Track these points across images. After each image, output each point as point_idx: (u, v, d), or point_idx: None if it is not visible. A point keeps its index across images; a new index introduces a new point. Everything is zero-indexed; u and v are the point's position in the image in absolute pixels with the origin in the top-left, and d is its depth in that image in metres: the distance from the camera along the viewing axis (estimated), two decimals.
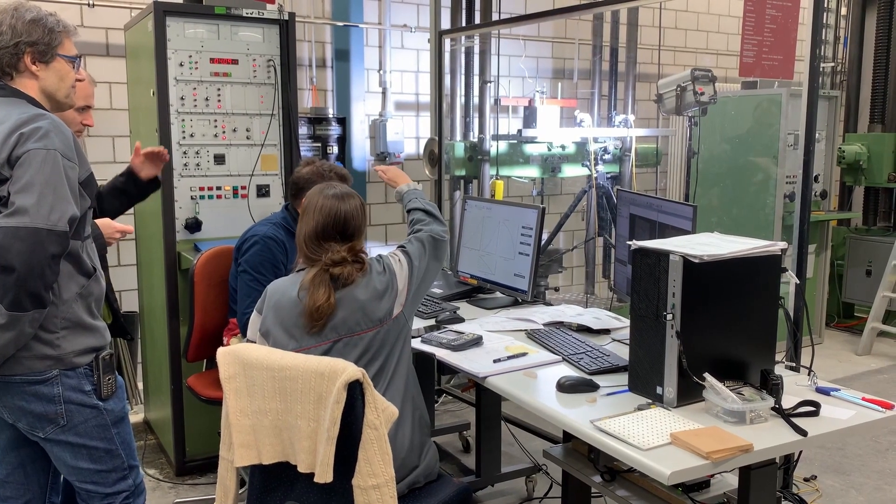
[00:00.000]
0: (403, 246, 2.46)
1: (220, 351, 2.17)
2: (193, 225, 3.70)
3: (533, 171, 5.07)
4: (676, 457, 1.79)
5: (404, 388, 2.35)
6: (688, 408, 2.09)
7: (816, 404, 2.09)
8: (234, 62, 3.75)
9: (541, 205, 3.23)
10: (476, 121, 5.05)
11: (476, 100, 5.05)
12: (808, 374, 2.34)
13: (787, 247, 2.21)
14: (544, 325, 2.92)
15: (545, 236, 5.07)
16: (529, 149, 5.00)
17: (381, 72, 5.81)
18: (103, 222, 2.56)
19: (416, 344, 2.69)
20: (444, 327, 2.87)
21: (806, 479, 3.78)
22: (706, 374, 2.03)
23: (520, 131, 4.73)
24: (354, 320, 2.23)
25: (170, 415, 3.74)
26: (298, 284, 2.26)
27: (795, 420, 2.02)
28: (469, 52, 5.03)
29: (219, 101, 3.73)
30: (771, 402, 2.03)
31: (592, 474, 2.53)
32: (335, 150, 5.44)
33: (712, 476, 2.54)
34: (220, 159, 3.76)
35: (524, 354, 2.54)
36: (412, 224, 2.59)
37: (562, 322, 2.93)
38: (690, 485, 2.44)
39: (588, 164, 4.77)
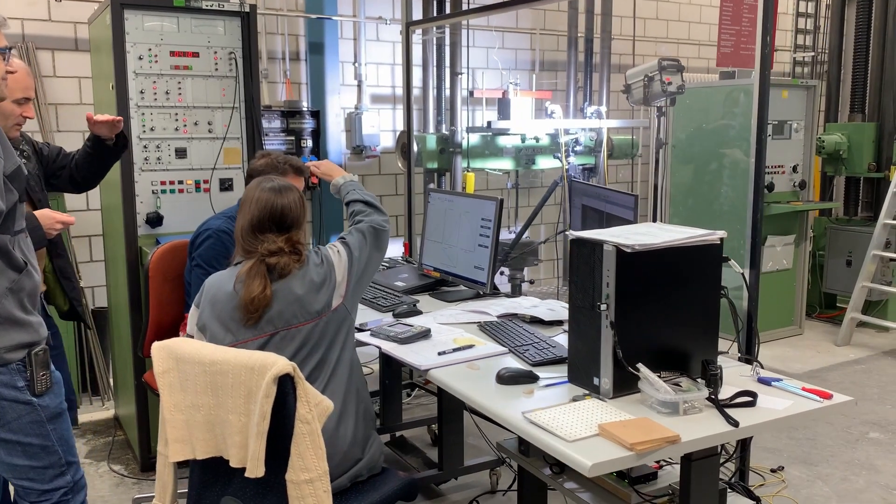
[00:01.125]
0: (344, 237, 2.44)
1: (155, 346, 2.15)
2: (155, 220, 3.68)
3: (506, 164, 5.04)
4: (601, 448, 1.77)
5: (347, 381, 2.33)
6: (624, 399, 2.07)
7: (754, 394, 2.07)
8: (195, 55, 3.72)
9: (499, 197, 3.20)
10: (456, 113, 5.02)
11: (448, 92, 5.01)
12: (752, 365, 2.31)
13: (725, 236, 2.18)
14: (498, 317, 2.90)
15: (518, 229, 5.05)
16: (503, 141, 4.97)
17: (357, 64, 5.79)
18: (43, 213, 2.54)
19: (364, 337, 2.68)
20: (398, 320, 2.85)
21: (773, 470, 3.76)
22: (640, 365, 2.01)
23: (489, 123, 4.70)
24: (291, 313, 2.21)
25: (135, 410, 3.73)
26: (235, 277, 2.24)
27: (731, 411, 2.00)
28: (441, 44, 5.00)
29: (179, 94, 3.70)
30: (705, 392, 2.01)
31: (543, 466, 2.52)
32: (309, 143, 5.42)
33: (660, 467, 2.53)
34: (181, 153, 3.74)
35: (471, 347, 2.52)
36: (353, 216, 2.57)
37: (516, 314, 2.91)
38: (636, 477, 2.42)
39: (559, 156, 4.74)
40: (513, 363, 2.40)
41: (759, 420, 1.97)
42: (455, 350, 2.48)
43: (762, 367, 2.50)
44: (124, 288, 3.71)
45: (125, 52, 3.55)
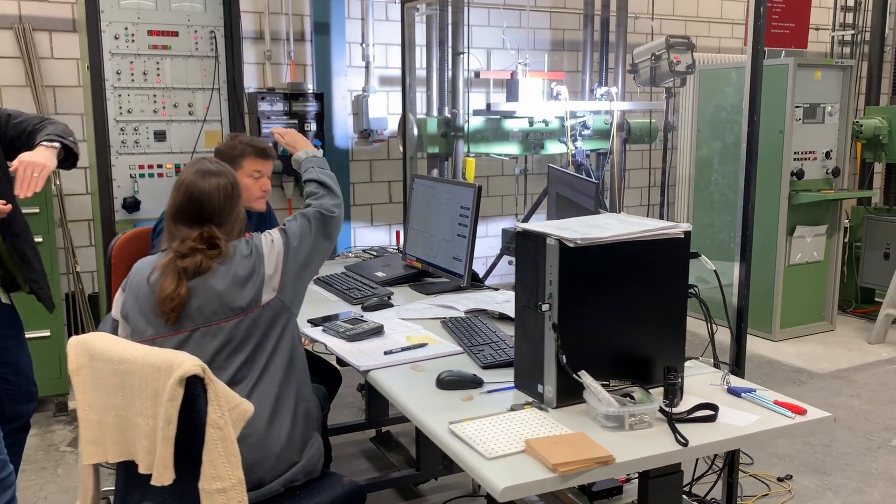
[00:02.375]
0: (285, 223, 2.26)
1: (71, 341, 2.02)
2: (132, 205, 3.57)
3: (513, 149, 4.82)
4: (522, 468, 1.57)
5: (283, 380, 2.16)
6: (569, 409, 1.87)
7: (715, 408, 1.84)
8: (174, 34, 3.60)
9: (477, 184, 2.99)
10: (458, 95, 4.80)
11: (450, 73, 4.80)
12: (723, 373, 2.08)
13: (689, 228, 1.94)
14: (465, 312, 2.70)
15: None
16: (509, 124, 4.75)
17: (364, 45, 5.61)
18: None
19: (314, 332, 2.51)
20: (353, 315, 2.67)
21: (780, 479, 3.50)
22: (582, 373, 1.80)
23: (488, 105, 4.48)
24: (211, 309, 2.05)
25: None
26: (153, 268, 2.09)
27: (686, 426, 1.78)
28: (443, 24, 4.79)
29: (158, 75, 3.58)
30: (656, 405, 1.79)
31: None
32: (313, 127, 5.27)
33: (626, 481, 2.32)
34: (160, 136, 3.62)
35: (423, 346, 2.33)
36: (306, 197, 2.39)
37: (485, 310, 2.71)
38: (599, 491, 2.22)
39: (565, 140, 4.49)
40: (465, 364, 2.21)
41: (715, 438, 1.74)
42: (404, 349, 2.30)
43: (741, 375, 2.27)
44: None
45: (99, 31, 3.44)
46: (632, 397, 1.83)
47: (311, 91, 5.32)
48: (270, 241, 2.15)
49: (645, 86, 4.15)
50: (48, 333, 3.82)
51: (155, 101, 3.58)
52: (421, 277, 3.37)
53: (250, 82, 5.19)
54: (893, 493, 3.41)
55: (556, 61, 6.22)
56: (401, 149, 4.96)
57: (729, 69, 5.79)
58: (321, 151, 2.56)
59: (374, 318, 2.69)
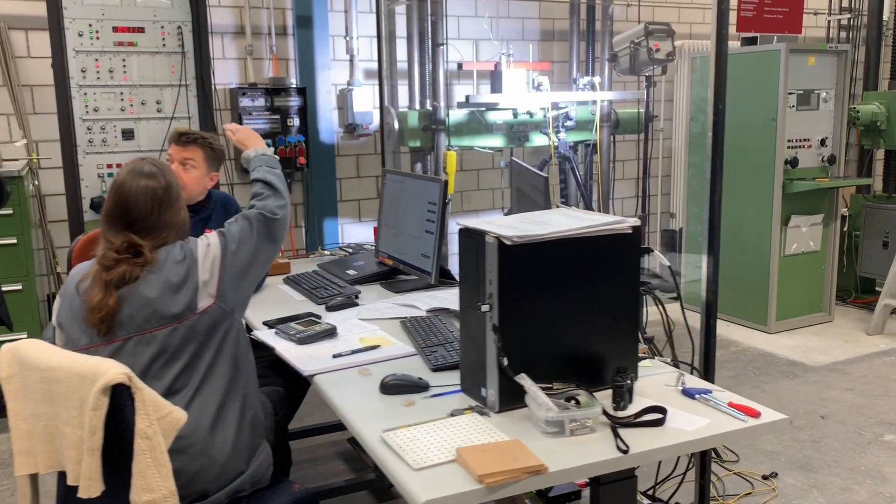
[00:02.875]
0: (224, 226, 2.17)
1: (3, 348, 1.96)
2: (100, 205, 3.49)
3: (497, 141, 4.73)
4: (449, 479, 1.49)
5: (226, 388, 2.09)
6: (512, 413, 1.79)
7: (663, 411, 1.75)
8: (140, 30, 3.53)
9: (442, 178, 2.91)
10: (439, 88, 4.71)
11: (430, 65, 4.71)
12: (678, 374, 1.99)
13: (637, 223, 1.85)
14: (427, 311, 2.63)
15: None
16: (493, 116, 4.66)
17: (348, 38, 5.51)
18: None
19: (265, 335, 2.44)
20: (308, 317, 2.59)
21: (765, 477, 3.41)
22: (522, 376, 1.72)
23: (467, 97, 4.39)
24: (143, 317, 1.97)
25: None
26: (83, 275, 2.02)
27: (631, 431, 1.70)
28: (423, 14, 4.69)
29: (124, 72, 3.52)
30: (598, 409, 1.70)
31: None
32: (296, 122, 5.19)
33: (586, 485, 2.24)
34: (128, 134, 3.56)
35: (376, 347, 2.26)
36: (251, 197, 2.30)
37: (448, 309, 2.63)
38: (557, 496, 2.14)
39: (547, 131, 4.40)
40: (417, 366, 2.13)
41: (660, 444, 1.66)
42: (354, 352, 2.22)
43: (710, 372, 2.18)
44: None
45: (62, 28, 3.38)
46: (577, 401, 1.75)
47: (293, 86, 5.24)
48: (206, 245, 2.07)
49: (625, 74, 4.04)
50: (25, 336, 3.78)
51: (122, 99, 3.52)
52: (394, 275, 3.30)
53: (231, 78, 5.12)
54: (880, 490, 3.31)
55: (546, 51, 6.12)
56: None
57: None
58: (272, 150, 2.47)
59: (334, 318, 2.62)
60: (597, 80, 4.42)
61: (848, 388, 4.44)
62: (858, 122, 5.70)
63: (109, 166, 3.53)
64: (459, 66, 5.31)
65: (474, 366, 1.87)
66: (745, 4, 5.49)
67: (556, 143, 4.42)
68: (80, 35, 3.41)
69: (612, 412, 1.75)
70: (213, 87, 3.65)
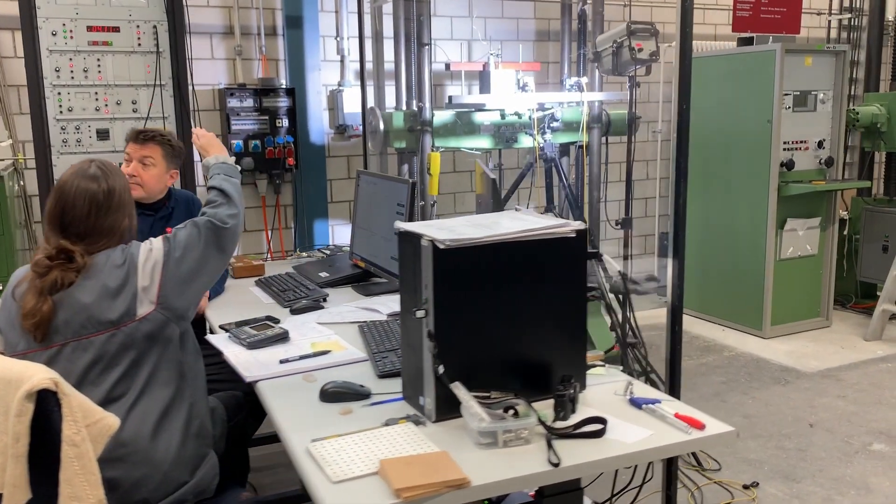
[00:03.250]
0: (173, 231, 2.12)
1: None
2: None
3: (484, 143, 4.66)
4: (365, 493, 1.44)
5: (171, 397, 2.04)
6: (449, 423, 1.73)
7: (604, 421, 1.69)
8: (115, 30, 3.50)
9: (410, 179, 2.85)
10: (424, 88, 4.65)
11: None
12: (626, 383, 1.92)
13: (582, 227, 1.79)
14: (388, 315, 2.57)
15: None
16: (479, 117, 4.59)
17: (339, 39, 5.47)
18: None
19: (217, 339, 2.39)
20: (261, 322, 2.54)
21: (745, 486, 3.33)
22: (456, 384, 1.66)
23: (450, 98, 4.33)
24: (79, 323, 1.93)
25: None
26: (19, 279, 1.98)
27: (569, 443, 1.64)
28: (409, 14, 4.63)
29: (99, 72, 3.49)
30: (534, 419, 1.64)
31: None
32: (285, 122, 5.15)
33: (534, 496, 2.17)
34: (103, 134, 3.53)
35: (326, 353, 2.21)
36: (205, 204, 2.25)
37: None
38: None
39: (532, 132, 4.33)
40: (366, 373, 2.08)
41: (597, 456, 1.59)
42: (303, 357, 2.17)
43: (675, 381, 2.11)
44: None
45: (35, 27, 3.35)
46: (517, 411, 1.69)
47: (282, 86, 5.20)
48: (149, 250, 2.02)
49: (608, 74, 3.97)
50: None
51: (97, 99, 3.49)
52: (367, 278, 3.25)
53: (220, 78, 5.10)
54: (864, 501, 3.22)
55: (541, 52, 6.06)
56: (369, 145, 4.85)
57: (719, 57, 5.60)
58: (233, 158, 2.42)
59: (294, 322, 2.58)
60: (584, 80, 4.35)
61: (840, 395, 4.35)
62: (858, 124, 5.60)
63: None
64: (447, 66, 5.25)
65: (413, 373, 1.81)
66: (740, 4, 5.42)
67: (541, 145, 4.34)
68: (54, 34, 3.38)
69: (551, 423, 1.69)
70: (190, 87, 3.62)
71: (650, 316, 6.02)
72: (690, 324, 5.73)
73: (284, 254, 5.04)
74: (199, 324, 2.81)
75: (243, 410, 2.52)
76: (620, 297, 3.33)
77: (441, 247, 1.64)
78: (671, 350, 2.41)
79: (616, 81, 5.79)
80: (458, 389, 1.65)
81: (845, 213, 6.06)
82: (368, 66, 5.15)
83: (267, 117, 5.12)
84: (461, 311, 1.72)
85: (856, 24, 6.24)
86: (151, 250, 2.02)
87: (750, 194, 5.30)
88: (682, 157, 2.36)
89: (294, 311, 2.77)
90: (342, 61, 5.50)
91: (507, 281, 1.76)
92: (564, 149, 5.07)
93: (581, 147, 4.98)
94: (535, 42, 6.06)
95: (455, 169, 5.86)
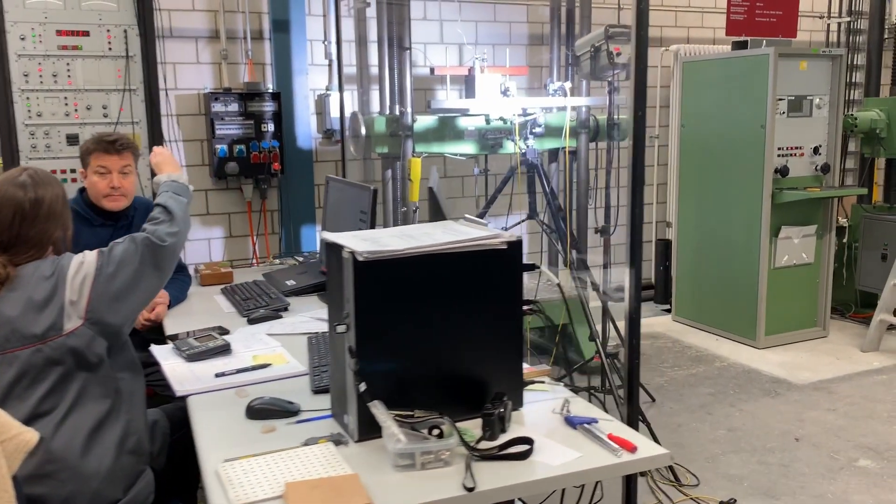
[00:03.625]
0: (110, 245, 2.05)
1: None
2: None
3: (468, 148, 4.59)
4: None
5: (105, 412, 1.98)
6: (373, 443, 1.66)
7: (530, 442, 1.61)
8: (85, 34, 3.46)
9: (372, 186, 2.79)
10: (406, 92, 4.59)
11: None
12: (563, 399, 1.84)
13: (514, 239, 1.71)
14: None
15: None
16: (464, 122, 4.53)
17: (326, 42, 5.42)
18: None
19: (159, 351, 2.34)
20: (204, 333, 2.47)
21: (722, 503, 3.23)
22: (375, 402, 1.59)
23: (429, 103, 4.27)
24: (3, 337, 1.87)
25: None
26: None
27: (496, 463, 1.56)
28: (390, 19, 4.57)
29: (69, 76, 3.45)
30: (455, 440, 1.57)
31: None
32: (271, 127, 5.10)
33: None
34: (73, 140, 3.50)
35: (265, 366, 2.14)
36: (147, 220, 2.17)
37: None
38: None
39: (513, 138, 4.25)
40: (301, 388, 2.01)
41: (519, 480, 1.52)
42: (240, 371, 2.11)
43: (633, 396, 2.03)
44: None
45: (3, 31, 3.32)
46: (442, 430, 1.62)
47: (268, 90, 5.16)
48: (80, 263, 1.96)
49: (586, 79, 3.89)
50: None
51: (66, 104, 3.45)
52: None
53: (206, 82, 5.06)
54: None
55: (535, 56, 5.98)
56: (352, 150, 4.79)
57: (712, 61, 5.50)
58: (186, 177, 2.35)
59: (244, 333, 2.52)
60: (567, 85, 4.27)
61: (830, 408, 4.23)
62: (856, 129, 5.48)
63: (54, 172, 3.45)
64: (432, 70, 5.19)
65: (339, 390, 1.75)
66: (735, 7, 5.31)
67: (523, 151, 4.26)
68: (23, 39, 3.35)
69: (475, 443, 1.61)
70: (164, 91, 3.57)
71: (645, 324, 5.93)
72: (684, 333, 5.63)
73: (258, 260, 4.99)
74: (160, 332, 2.76)
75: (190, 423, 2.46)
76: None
77: (360, 259, 1.58)
78: (629, 364, 2.32)
79: (605, 86, 5.70)
80: (376, 408, 1.57)
81: (845, 220, 5.94)
82: (351, 70, 5.10)
83: (252, 122, 5.07)
84: (385, 326, 1.65)
85: (856, 27, 6.11)
86: (83, 263, 1.96)
87: (744, 201, 5.19)
88: (638, 164, 2.28)
89: (251, 321, 2.71)
90: (330, 65, 5.44)
91: (436, 295, 1.69)
92: (553, 155, 5.00)
93: (570, 153, 4.90)
94: (527, 46, 5.98)
95: (445, 174, 5.79)
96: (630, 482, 2.37)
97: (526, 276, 4.24)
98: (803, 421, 4.06)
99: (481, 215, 4.43)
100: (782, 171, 5.07)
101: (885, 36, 5.97)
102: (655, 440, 3.54)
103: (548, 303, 4.58)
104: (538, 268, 1.86)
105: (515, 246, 1.73)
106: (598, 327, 4.01)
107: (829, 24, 6.26)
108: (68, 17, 3.41)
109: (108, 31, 3.46)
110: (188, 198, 2.27)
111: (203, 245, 5.20)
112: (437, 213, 1.95)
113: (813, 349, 5.22)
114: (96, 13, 3.44)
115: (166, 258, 2.04)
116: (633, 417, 2.33)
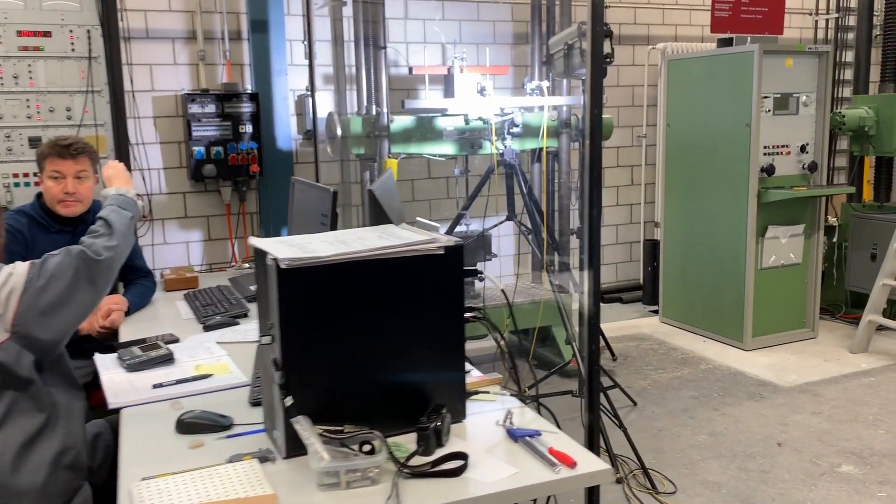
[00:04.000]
0: (46, 256, 1.97)
1: None
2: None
3: (447, 149, 4.52)
4: None
5: (38, 427, 1.90)
6: (301, 460, 1.58)
7: (464, 457, 1.54)
8: (47, 34, 3.39)
9: (331, 187, 2.71)
10: (382, 92, 4.52)
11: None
12: (505, 413, 1.76)
13: (452, 244, 1.63)
14: None
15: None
16: (442, 122, 4.45)
17: (306, 42, 5.35)
18: None
19: (102, 360, 2.26)
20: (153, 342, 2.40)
21: None
22: (299, 418, 1.52)
23: (402, 102, 4.19)
24: None
25: None
26: None
27: (427, 481, 1.48)
28: (366, 18, 4.50)
29: (31, 78, 3.38)
30: (383, 457, 1.49)
31: None
32: (249, 128, 5.04)
33: None
34: (35, 142, 3.43)
35: (207, 377, 2.07)
36: (86, 233, 2.09)
37: None
38: None
39: (490, 138, 4.17)
40: (239, 400, 1.94)
41: (447, 499, 1.44)
42: (179, 382, 2.03)
43: (589, 406, 1.95)
44: None
45: None
46: (366, 447, 1.54)
47: (246, 91, 5.09)
48: (8, 275, 1.88)
49: (560, 78, 3.81)
50: None
51: (28, 106, 3.38)
52: None
53: (183, 84, 4.99)
54: None
55: (520, 56, 5.90)
56: (329, 151, 4.72)
57: (696, 59, 5.41)
58: (134, 192, 2.27)
59: (193, 341, 2.45)
60: (545, 84, 4.19)
61: (815, 411, 4.15)
62: (844, 127, 5.39)
63: (16, 175, 3.39)
64: (410, 70, 5.11)
65: (269, 404, 1.67)
66: (719, 4, 5.23)
67: (501, 151, 4.19)
68: None
69: (405, 460, 1.53)
70: (130, 93, 3.50)
71: (632, 325, 5.85)
72: (670, 334, 5.54)
73: (238, 264, 4.91)
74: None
75: None
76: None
77: (283, 266, 1.50)
78: (588, 371, 2.24)
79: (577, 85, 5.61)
80: (299, 424, 1.50)
81: (835, 219, 5.85)
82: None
83: (230, 123, 5.01)
84: (314, 336, 1.57)
85: (844, 23, 6.02)
86: (11, 275, 1.88)
87: (730, 201, 5.11)
88: (594, 164, 2.20)
89: (207, 328, 2.64)
90: (310, 66, 5.37)
91: (369, 302, 1.61)
92: (536, 155, 4.92)
93: (551, 154, 4.83)
94: (512, 45, 5.90)
95: (430, 175, 5.72)
96: (592, 494, 2.29)
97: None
98: (787, 425, 3.98)
99: (459, 217, 4.35)
100: (768, 170, 4.99)
101: (875, 33, 5.87)
102: (632, 446, 3.47)
103: (522, 307, 4.51)
104: (481, 273, 1.78)
105: (454, 251, 1.66)
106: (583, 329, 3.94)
107: (816, 21, 6.17)
108: (29, 18, 3.34)
109: (71, 31, 3.39)
110: (134, 213, 2.20)
111: (181, 249, 5.13)
112: (379, 217, 1.88)
113: (801, 351, 5.14)
114: (58, 13, 3.37)
115: (102, 273, 1.96)
116: (595, 426, 2.25)
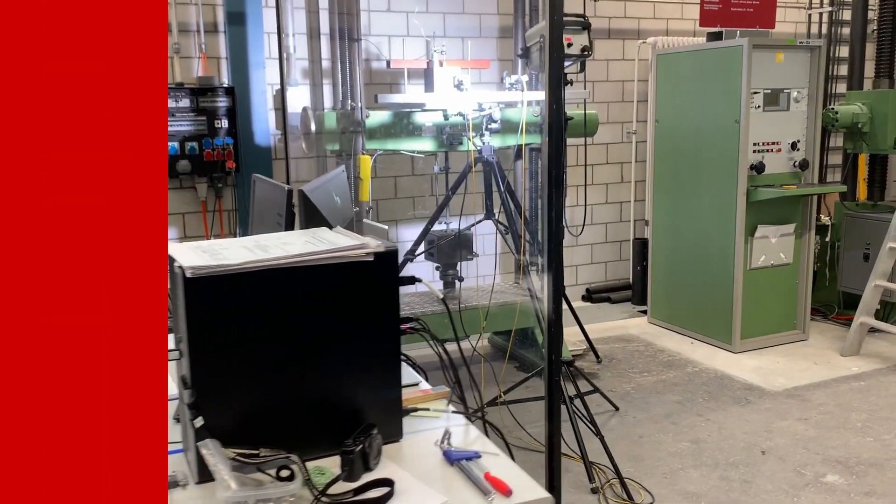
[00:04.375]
0: None
1: None
2: None
3: (426, 145, 4.39)
4: None
5: None
6: (214, 486, 1.45)
7: (390, 484, 1.41)
8: None
9: (287, 185, 2.58)
10: (356, 87, 4.39)
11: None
12: (443, 431, 1.63)
13: (381, 249, 1.50)
14: None
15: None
16: (421, 118, 4.32)
17: (284, 35, 5.21)
18: None
19: None
20: None
21: None
22: (207, 441, 1.39)
23: (376, 97, 4.06)
24: None
25: None
26: None
27: None
28: (340, 8, 4.36)
29: None
30: (298, 485, 1.36)
31: None
32: (224, 123, 4.92)
33: None
34: None
35: None
36: None
37: None
38: None
39: (467, 135, 4.04)
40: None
41: None
42: None
43: (549, 417, 1.82)
44: None
45: None
46: (283, 473, 1.41)
47: (221, 85, 4.96)
48: None
49: (536, 71, 3.68)
50: None
51: None
52: None
53: None
54: None
55: (506, 49, 5.76)
56: (304, 147, 4.59)
57: (685, 53, 5.28)
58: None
59: None
60: (524, 78, 4.05)
61: (802, 417, 4.01)
62: (837, 124, 5.25)
63: None
64: (388, 63, 4.98)
65: (184, 424, 1.54)
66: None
67: (478, 148, 4.05)
68: None
69: (324, 486, 1.41)
70: None
71: (620, 326, 5.72)
72: (658, 336, 5.41)
73: None
74: None
75: None
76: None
77: (188, 274, 1.37)
78: (548, 382, 2.11)
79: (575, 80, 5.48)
80: (206, 447, 1.37)
81: (828, 218, 5.72)
82: (304, 63, 4.90)
83: (205, 118, 4.89)
84: (227, 351, 1.44)
85: (839, 17, 5.87)
86: None
87: (719, 199, 4.97)
88: (555, 163, 2.07)
89: None
90: (288, 59, 5.23)
91: (291, 314, 1.48)
92: (519, 152, 4.79)
93: (534, 150, 4.70)
94: (497, 39, 5.76)
95: (413, 172, 5.59)
96: None
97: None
98: (772, 432, 3.85)
99: (437, 215, 4.22)
100: (758, 168, 4.85)
101: (871, 28, 5.73)
102: (609, 455, 3.34)
103: (505, 308, 4.38)
104: (419, 281, 1.67)
105: (386, 258, 1.52)
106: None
107: (810, 15, 6.02)
108: None
109: None
110: None
111: None
112: (311, 220, 1.75)
113: (790, 353, 5.00)
114: None
115: None
116: (555, 439, 2.13)
